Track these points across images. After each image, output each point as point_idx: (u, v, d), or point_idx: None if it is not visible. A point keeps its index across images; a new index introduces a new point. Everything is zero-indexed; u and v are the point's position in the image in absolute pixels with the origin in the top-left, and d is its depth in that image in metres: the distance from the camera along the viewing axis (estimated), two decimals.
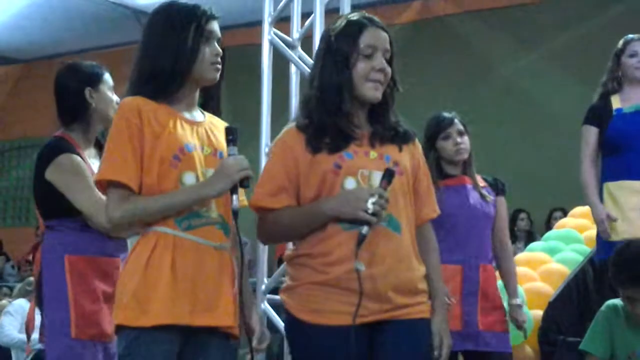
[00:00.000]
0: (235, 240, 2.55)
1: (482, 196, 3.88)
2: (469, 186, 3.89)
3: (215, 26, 2.56)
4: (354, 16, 2.63)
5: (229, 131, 2.50)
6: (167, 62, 2.48)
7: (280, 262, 7.37)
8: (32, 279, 7.56)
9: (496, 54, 10.08)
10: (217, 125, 2.62)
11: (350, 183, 2.51)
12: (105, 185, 2.48)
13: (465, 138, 3.93)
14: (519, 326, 3.96)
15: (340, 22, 2.62)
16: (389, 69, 2.58)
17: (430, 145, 3.90)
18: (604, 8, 9.43)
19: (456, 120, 3.95)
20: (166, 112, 2.50)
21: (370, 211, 2.43)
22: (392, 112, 2.65)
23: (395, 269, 2.50)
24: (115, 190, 2.45)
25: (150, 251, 2.41)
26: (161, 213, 2.43)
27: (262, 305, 4.33)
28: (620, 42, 4.52)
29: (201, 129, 2.56)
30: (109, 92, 3.30)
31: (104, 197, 2.71)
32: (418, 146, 2.70)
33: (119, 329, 2.44)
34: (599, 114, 4.45)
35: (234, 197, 2.44)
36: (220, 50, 2.56)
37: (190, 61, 2.49)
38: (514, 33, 9.97)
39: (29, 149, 13.06)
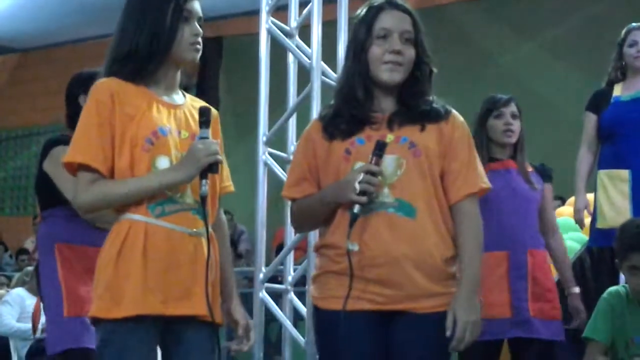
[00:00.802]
0: (211, 226, 2.49)
1: (529, 182, 3.75)
2: (514, 170, 3.77)
3: (195, 5, 2.50)
4: (375, 1, 2.61)
5: (202, 112, 2.45)
6: (144, 42, 2.42)
7: (278, 251, 7.37)
8: (30, 268, 7.60)
9: (495, 42, 10.06)
10: (197, 108, 2.54)
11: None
12: (75, 169, 2.42)
13: (518, 122, 3.82)
14: (575, 315, 3.81)
15: (362, 9, 2.61)
16: (408, 51, 2.54)
17: (481, 124, 3.80)
18: None
19: (513, 103, 3.85)
20: (142, 94, 2.45)
21: (357, 191, 2.41)
22: (425, 94, 2.58)
23: (408, 254, 2.44)
24: (84, 174, 2.40)
25: (122, 240, 2.37)
26: (130, 198, 2.38)
27: (260, 294, 4.34)
28: (623, 32, 4.51)
29: (179, 112, 2.50)
30: None
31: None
32: (454, 122, 2.58)
33: (95, 320, 2.41)
34: (599, 101, 4.45)
35: (203, 181, 2.39)
36: (200, 30, 2.50)
37: (168, 41, 2.43)
38: (514, 22, 9.95)
39: (25, 138, 13.04)
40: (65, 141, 3.25)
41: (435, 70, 2.62)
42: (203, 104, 2.57)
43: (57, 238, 3.32)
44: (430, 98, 2.60)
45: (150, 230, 2.38)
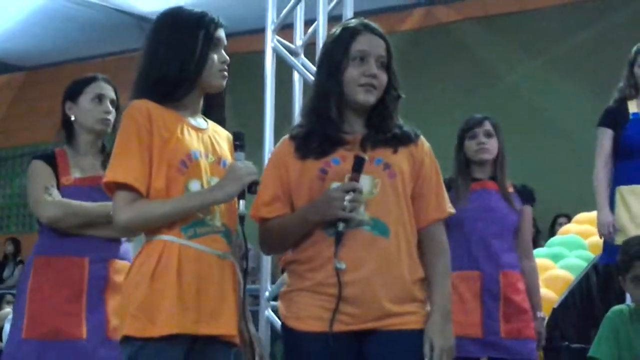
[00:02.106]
0: (240, 247, 2.53)
1: (509, 200, 3.78)
2: (492, 190, 3.80)
3: (222, 34, 2.56)
4: (351, 23, 2.63)
5: (236, 136, 2.50)
6: (175, 68, 2.46)
7: (283, 269, 7.35)
8: None
9: (499, 60, 10.07)
10: (219, 133, 2.61)
11: None
12: (113, 188, 2.43)
13: (493, 140, 3.84)
14: (538, 339, 3.83)
15: (337, 29, 2.63)
16: (382, 75, 2.56)
17: (459, 146, 3.86)
18: (608, 14, 9.42)
19: (487, 122, 3.88)
20: (174, 118, 2.48)
21: (345, 208, 2.42)
22: (392, 117, 2.61)
23: (380, 274, 2.45)
24: (123, 193, 2.40)
25: (156, 260, 2.39)
26: (170, 217, 2.40)
27: (266, 312, 4.33)
28: (632, 51, 4.51)
29: (205, 136, 2.54)
30: (91, 102, 3.31)
31: (45, 198, 3.05)
32: (422, 147, 2.62)
33: (125, 339, 2.41)
34: (615, 117, 4.43)
35: (241, 202, 2.43)
36: (228, 58, 2.56)
37: (198, 68, 2.48)
38: (518, 40, 9.96)
39: (32, 156, 13.08)
40: (39, 155, 3.34)
41: (403, 95, 2.63)
42: (222, 129, 2.63)
43: (36, 250, 3.28)
44: (398, 122, 2.62)
45: (183, 251, 2.40)
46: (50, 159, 3.29)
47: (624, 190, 4.35)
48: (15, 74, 13.57)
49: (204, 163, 2.47)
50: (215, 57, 2.52)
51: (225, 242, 2.48)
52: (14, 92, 13.65)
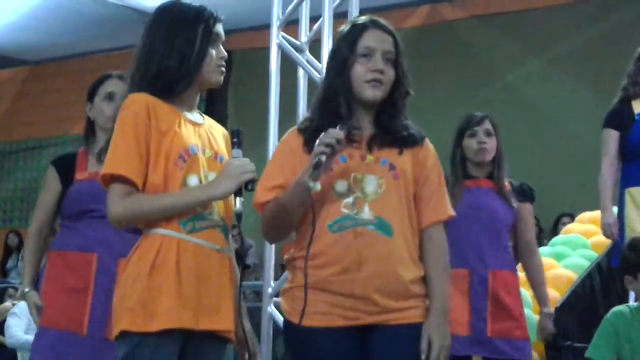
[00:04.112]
0: (233, 244, 2.53)
1: (506, 199, 3.77)
2: (487, 189, 3.79)
3: (221, 28, 2.54)
4: (359, 20, 2.64)
5: (234, 133, 2.49)
6: (173, 63, 2.44)
7: (283, 265, 7.34)
8: None
9: (503, 58, 10.06)
10: (215, 128, 2.61)
11: (341, 186, 2.52)
12: (109, 180, 2.41)
13: (493, 140, 3.83)
14: (543, 336, 3.86)
15: (345, 26, 2.64)
16: (389, 71, 2.56)
17: (457, 143, 3.84)
18: (612, 13, 9.41)
19: (487, 121, 3.86)
20: (172, 112, 2.47)
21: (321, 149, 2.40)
22: (400, 115, 2.62)
23: (382, 271, 2.47)
24: (118, 185, 2.39)
25: (154, 254, 2.38)
26: (164, 213, 2.39)
27: (269, 309, 4.34)
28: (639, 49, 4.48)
29: (202, 131, 2.54)
30: (103, 102, 3.41)
31: (39, 218, 3.29)
32: (427, 149, 2.64)
33: (123, 334, 2.40)
34: (620, 118, 4.40)
35: (237, 199, 2.41)
36: (226, 54, 2.54)
37: (197, 63, 2.46)
38: (522, 38, 9.95)
39: (35, 150, 13.08)
40: (55, 160, 3.48)
41: (412, 92, 2.63)
42: (217, 124, 2.63)
43: (52, 245, 3.42)
44: (407, 122, 2.63)
45: (182, 245, 2.40)
46: (67, 162, 3.42)
47: (634, 192, 4.31)
48: (19, 68, 13.56)
49: (201, 158, 2.47)
50: (214, 52, 2.50)
51: (224, 237, 2.48)
52: (17, 87, 13.64)
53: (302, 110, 4.49)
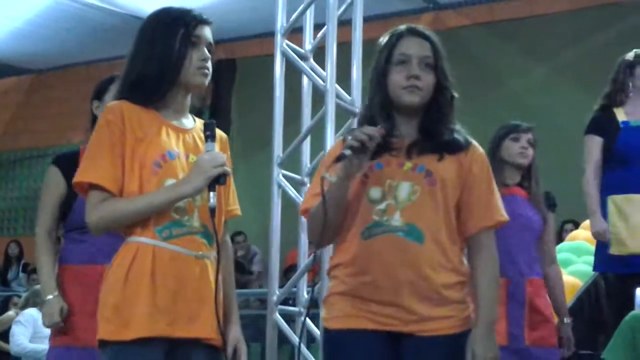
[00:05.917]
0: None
1: (540, 210, 3.80)
2: (520, 197, 3.81)
3: (205, 31, 2.51)
4: (397, 29, 2.65)
5: (206, 126, 2.46)
6: (153, 68, 2.44)
7: (286, 273, 7.33)
8: (37, 287, 7.60)
9: (507, 65, 10.07)
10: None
11: (375, 193, 2.51)
12: (86, 189, 2.42)
13: (532, 150, 3.86)
14: (566, 345, 3.85)
15: (384, 37, 2.65)
16: (427, 76, 2.55)
17: (495, 146, 3.84)
18: (615, 21, 9.41)
19: (531, 132, 3.90)
20: (151, 118, 2.46)
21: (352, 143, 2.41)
22: (445, 120, 2.60)
23: (411, 276, 2.46)
24: (94, 192, 2.39)
25: (129, 262, 2.37)
26: (139, 215, 2.38)
27: (274, 316, 4.33)
28: (631, 55, 4.49)
29: (188, 136, 2.51)
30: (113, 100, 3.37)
31: (46, 221, 3.24)
32: (473, 154, 2.60)
33: (102, 343, 2.40)
34: (603, 126, 4.40)
35: (211, 194, 2.38)
36: (208, 55, 2.51)
37: (176, 66, 2.45)
38: (525, 46, 9.96)
39: (39, 158, 13.09)
40: (55, 158, 3.42)
41: (456, 95, 2.63)
42: (217, 130, 2.57)
43: (59, 259, 3.37)
44: (453, 126, 2.62)
45: (157, 252, 2.37)
46: (69, 160, 3.33)
47: (618, 199, 4.30)
48: (22, 76, 13.60)
49: (181, 163, 2.44)
50: (195, 54, 2.47)
51: (206, 243, 2.44)
52: (21, 95, 13.68)
53: (306, 117, 4.49)
